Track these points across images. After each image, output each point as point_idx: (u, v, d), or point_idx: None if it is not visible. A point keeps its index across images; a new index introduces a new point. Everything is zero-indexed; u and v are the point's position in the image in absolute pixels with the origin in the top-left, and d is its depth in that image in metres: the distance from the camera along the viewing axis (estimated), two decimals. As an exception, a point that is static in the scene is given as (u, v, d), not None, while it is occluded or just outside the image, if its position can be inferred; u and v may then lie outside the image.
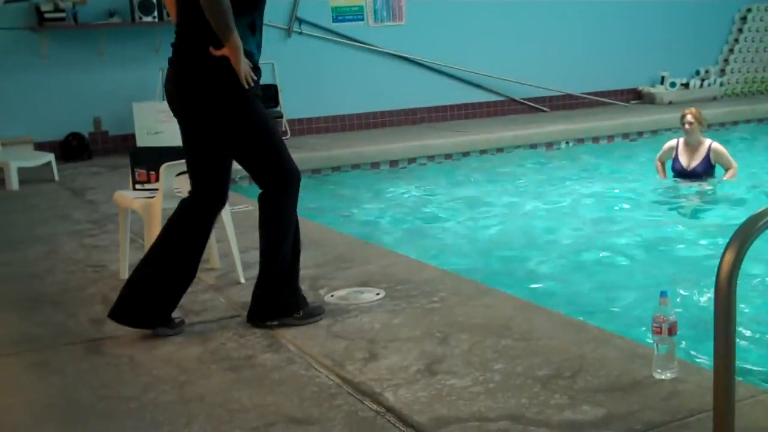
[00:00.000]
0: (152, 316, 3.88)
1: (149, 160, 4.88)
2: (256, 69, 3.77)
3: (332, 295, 4.38)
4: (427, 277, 4.71)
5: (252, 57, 3.74)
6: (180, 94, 3.80)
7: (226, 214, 4.60)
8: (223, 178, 3.96)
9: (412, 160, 10.19)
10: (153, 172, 4.82)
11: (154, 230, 4.39)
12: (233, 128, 3.75)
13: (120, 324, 3.88)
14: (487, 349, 3.55)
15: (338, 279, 4.70)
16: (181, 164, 4.31)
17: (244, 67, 3.62)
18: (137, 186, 4.91)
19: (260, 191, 3.90)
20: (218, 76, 3.65)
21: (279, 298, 3.92)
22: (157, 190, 4.66)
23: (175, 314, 3.97)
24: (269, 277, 3.89)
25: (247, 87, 3.67)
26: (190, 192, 3.96)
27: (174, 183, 4.57)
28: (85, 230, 6.46)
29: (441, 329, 3.82)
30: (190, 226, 3.90)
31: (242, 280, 4.68)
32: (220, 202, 3.98)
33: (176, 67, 3.80)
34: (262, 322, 3.93)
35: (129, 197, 4.80)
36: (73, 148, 10.34)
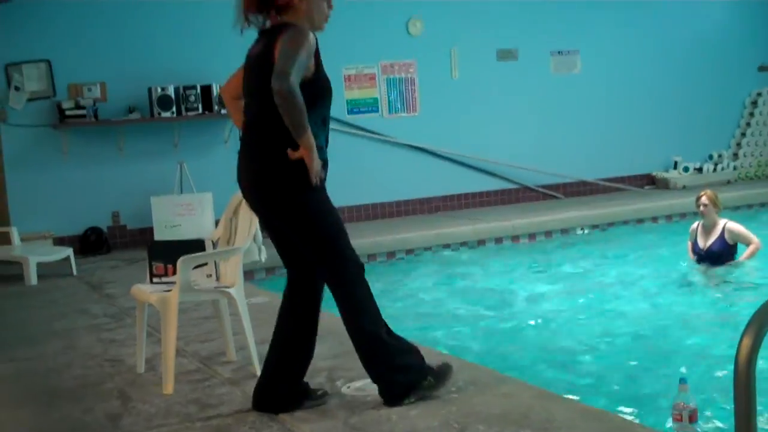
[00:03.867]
0: (291, 397, 3.99)
1: (166, 254, 4.92)
2: (325, 164, 3.84)
3: (349, 387, 4.35)
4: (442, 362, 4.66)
5: (322, 151, 3.80)
6: (258, 194, 3.87)
7: (242, 305, 4.61)
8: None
9: (428, 249, 10.22)
10: (170, 266, 4.85)
11: (171, 324, 4.40)
12: (302, 220, 3.82)
13: (266, 412, 3.98)
14: (506, 440, 3.51)
15: (355, 370, 4.66)
16: (198, 257, 4.35)
17: (316, 165, 3.68)
18: (155, 279, 4.94)
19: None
20: (294, 175, 3.70)
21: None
22: (174, 283, 4.69)
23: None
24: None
25: (317, 184, 3.73)
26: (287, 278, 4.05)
27: (191, 276, 4.60)
28: (103, 324, 6.48)
29: (459, 420, 3.78)
30: (296, 307, 4.00)
31: (258, 373, 4.66)
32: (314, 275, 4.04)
33: (252, 169, 3.84)
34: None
35: (146, 291, 4.83)
36: (91, 243, 10.44)
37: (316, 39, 3.77)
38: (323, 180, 3.82)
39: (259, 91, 3.76)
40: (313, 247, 3.89)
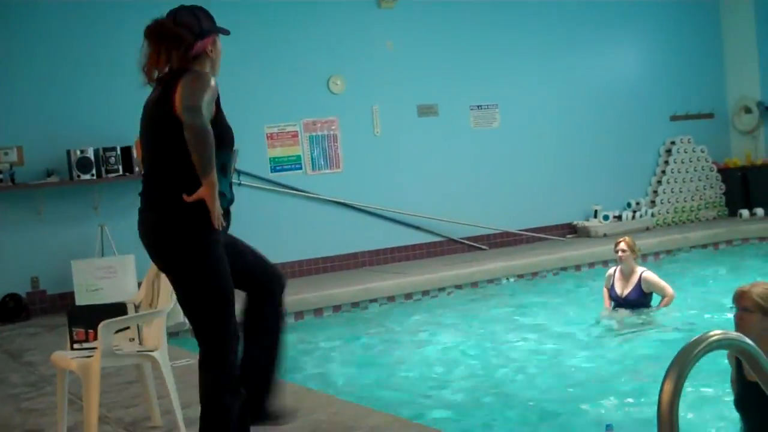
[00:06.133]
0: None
1: (87, 319, 4.82)
2: (227, 213, 3.79)
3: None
4: (375, 423, 4.66)
5: (224, 198, 3.74)
6: (156, 243, 3.80)
7: (166, 369, 4.54)
8: (257, 269, 4.05)
9: (355, 305, 10.20)
10: (92, 331, 4.75)
11: (93, 390, 4.31)
12: (191, 269, 3.73)
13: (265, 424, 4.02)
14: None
15: (285, 429, 4.62)
16: (119, 321, 4.27)
17: (218, 207, 3.61)
18: (75, 345, 4.83)
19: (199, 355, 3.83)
20: (192, 219, 3.64)
21: None
22: (96, 348, 4.60)
23: None
24: None
25: (218, 228, 3.66)
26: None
27: (113, 340, 4.52)
28: (22, 393, 6.29)
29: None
30: (258, 320, 4.02)
31: (185, 437, 4.58)
32: (273, 286, 4.07)
33: (150, 219, 3.79)
34: None
35: (67, 357, 4.72)
36: (10, 309, 10.16)
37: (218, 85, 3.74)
38: (225, 228, 3.78)
39: (154, 136, 3.73)
40: (196, 307, 3.79)
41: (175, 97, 3.58)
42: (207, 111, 3.55)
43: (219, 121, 3.71)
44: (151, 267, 4.82)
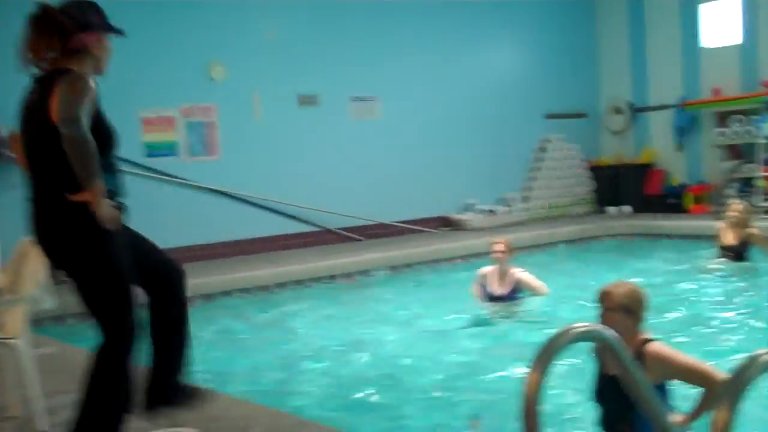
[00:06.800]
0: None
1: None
2: (120, 207, 3.71)
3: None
4: (241, 413, 4.61)
5: (114, 195, 3.66)
6: (49, 245, 3.70)
7: (26, 357, 4.38)
8: (155, 260, 3.99)
9: (226, 293, 10.08)
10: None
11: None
12: (84, 265, 3.65)
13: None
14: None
15: (149, 419, 4.52)
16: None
17: (106, 210, 3.53)
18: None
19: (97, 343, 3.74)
20: (82, 217, 3.54)
21: None
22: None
23: None
24: None
25: (108, 228, 3.58)
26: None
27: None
28: None
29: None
30: (163, 315, 3.96)
31: (46, 429, 4.43)
32: (174, 279, 4.01)
33: (42, 220, 3.68)
34: None
35: None
36: None
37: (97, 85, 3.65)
38: (119, 225, 3.70)
39: (34, 140, 3.64)
40: (93, 302, 3.71)
41: (52, 104, 3.50)
42: (86, 119, 3.47)
43: (100, 124, 3.64)
44: (16, 252, 4.66)
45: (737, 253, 9.56)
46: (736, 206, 9.78)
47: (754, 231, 9.63)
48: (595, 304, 4.22)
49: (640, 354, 4.23)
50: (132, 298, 3.76)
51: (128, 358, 3.74)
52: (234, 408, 4.77)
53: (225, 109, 12.34)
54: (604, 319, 4.20)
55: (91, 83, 3.58)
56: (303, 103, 13.05)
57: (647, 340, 4.27)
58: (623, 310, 4.17)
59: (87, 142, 3.43)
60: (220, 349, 7.70)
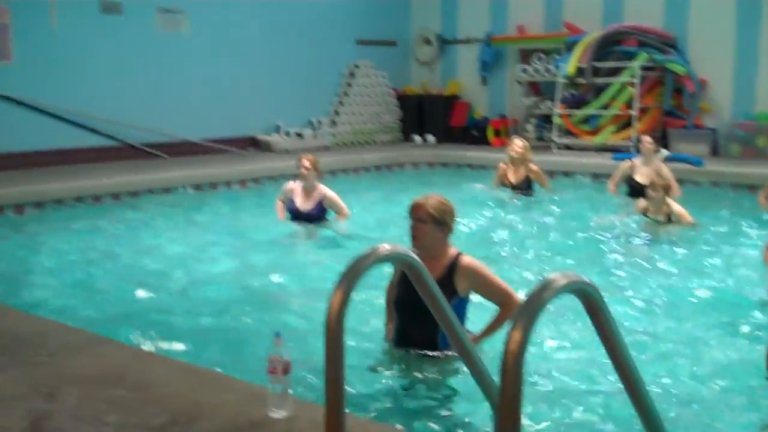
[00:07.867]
0: None
1: None
2: None
3: None
4: (34, 329, 4.39)
5: None
6: None
7: None
8: None
9: (19, 208, 9.54)
10: None
11: None
12: None
13: None
14: (99, 402, 3.36)
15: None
16: None
17: None
18: None
19: None
20: None
21: None
22: None
23: None
24: None
25: None
26: None
27: None
28: None
29: (48, 384, 3.56)
30: None
31: None
32: None
33: None
34: None
35: None
36: None
37: None
38: None
39: None
40: None
41: None
42: None
43: None
44: None
45: (520, 190, 10.03)
46: (516, 143, 10.20)
47: (534, 168, 10.13)
48: (406, 216, 4.33)
49: (454, 265, 4.37)
50: None
51: None
52: (27, 323, 4.53)
53: (19, 11, 11.51)
54: (415, 231, 4.34)
55: None
56: (105, 10, 12.38)
57: (460, 254, 4.43)
58: (433, 221, 4.32)
59: None
60: (11, 262, 7.32)
